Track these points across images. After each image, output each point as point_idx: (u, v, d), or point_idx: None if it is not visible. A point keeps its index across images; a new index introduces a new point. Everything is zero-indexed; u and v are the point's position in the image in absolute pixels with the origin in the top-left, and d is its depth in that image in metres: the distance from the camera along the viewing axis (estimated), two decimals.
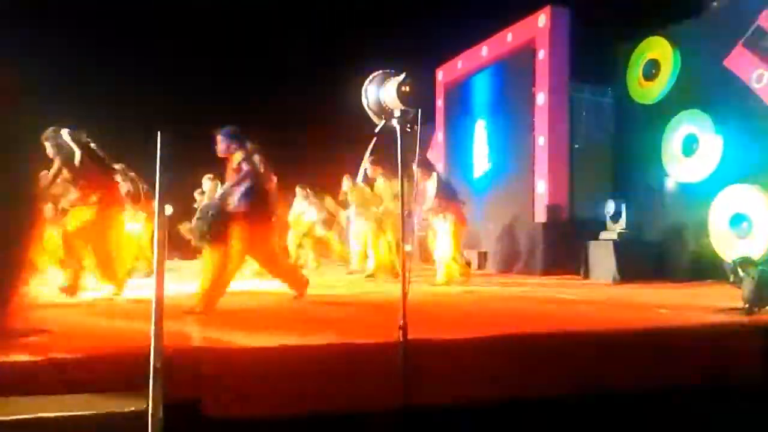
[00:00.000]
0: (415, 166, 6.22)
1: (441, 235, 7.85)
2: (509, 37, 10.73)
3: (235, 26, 13.71)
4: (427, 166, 8.02)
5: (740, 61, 7.75)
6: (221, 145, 5.42)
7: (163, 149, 3.02)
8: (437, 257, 7.98)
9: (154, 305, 2.42)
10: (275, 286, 6.36)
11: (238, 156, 5.37)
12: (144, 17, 12.76)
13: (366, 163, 8.74)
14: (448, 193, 7.85)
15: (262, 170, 6.03)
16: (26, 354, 3.09)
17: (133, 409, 2.55)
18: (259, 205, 5.36)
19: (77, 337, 3.71)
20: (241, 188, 5.23)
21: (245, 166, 5.31)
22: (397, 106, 3.05)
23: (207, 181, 9.23)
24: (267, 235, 5.70)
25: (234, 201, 5.19)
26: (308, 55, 13.48)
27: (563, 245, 9.00)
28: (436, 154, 13.22)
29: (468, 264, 8.45)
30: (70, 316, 4.68)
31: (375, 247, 8.78)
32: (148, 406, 2.38)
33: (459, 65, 12.44)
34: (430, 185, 7.80)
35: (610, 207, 8.53)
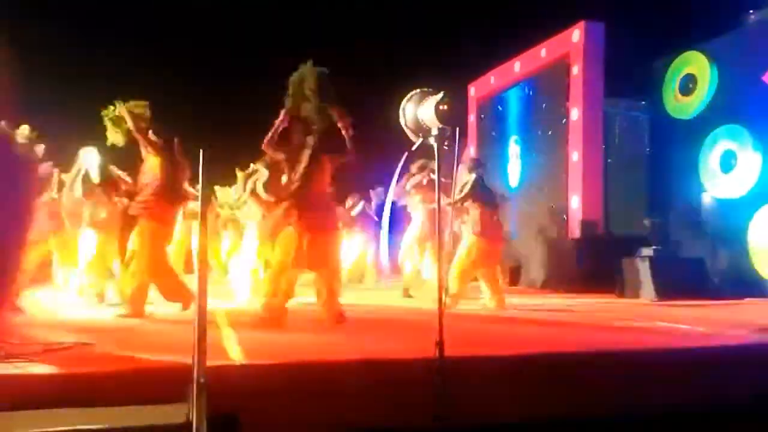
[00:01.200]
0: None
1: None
2: (543, 53, 10.71)
3: (267, 48, 13.91)
4: (474, 164, 7.17)
5: None
6: None
7: (205, 166, 3.09)
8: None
9: (196, 319, 2.47)
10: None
11: None
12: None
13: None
14: (484, 197, 6.88)
15: None
16: (70, 366, 3.17)
17: (175, 421, 2.59)
18: None
19: (120, 349, 3.78)
20: None
21: None
22: (434, 125, 3.09)
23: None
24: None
25: None
26: (342, 73, 13.58)
27: (598, 262, 8.88)
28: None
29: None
30: (115, 329, 4.77)
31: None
32: (191, 419, 2.42)
33: (491, 81, 12.44)
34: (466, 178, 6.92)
35: (647, 223, 8.43)
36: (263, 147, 5.37)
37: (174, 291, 5.86)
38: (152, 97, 6.12)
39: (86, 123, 6.93)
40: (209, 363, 2.98)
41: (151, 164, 5.87)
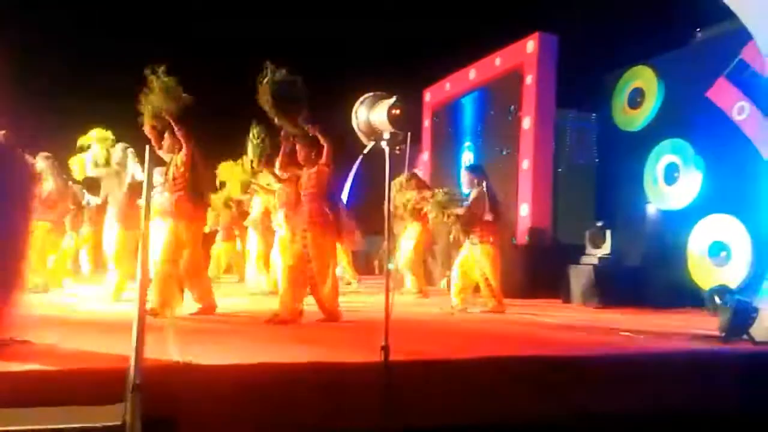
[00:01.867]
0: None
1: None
2: (497, 62, 10.86)
3: (218, 50, 13.75)
4: (480, 172, 7.26)
5: (722, 93, 7.91)
6: None
7: (150, 164, 3.04)
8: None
9: (135, 321, 2.42)
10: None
11: None
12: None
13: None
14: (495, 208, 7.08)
15: None
16: (3, 364, 3.06)
17: (110, 423, 2.53)
18: None
19: (59, 349, 3.67)
20: None
21: None
22: (386, 128, 3.09)
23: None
24: None
25: None
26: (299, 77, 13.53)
27: (545, 269, 9.03)
28: (423, 174, 13.29)
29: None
30: (67, 329, 4.63)
31: None
32: (125, 421, 2.36)
33: (447, 87, 12.55)
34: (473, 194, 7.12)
35: (592, 232, 8.62)
36: (279, 171, 6.13)
37: (205, 294, 5.87)
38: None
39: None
40: (152, 364, 2.95)
41: (179, 160, 5.74)
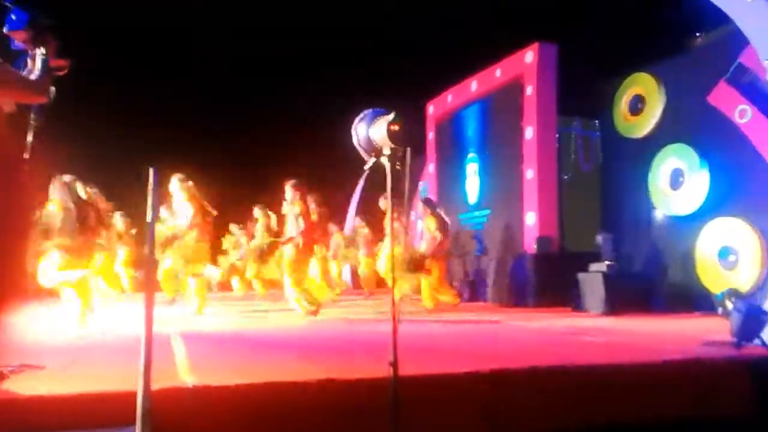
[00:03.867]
0: (420, 203, 7.26)
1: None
2: (498, 73, 10.90)
3: (222, 66, 13.89)
4: (430, 205, 8.87)
5: (723, 97, 7.91)
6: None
7: (155, 184, 3.07)
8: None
9: (143, 345, 2.43)
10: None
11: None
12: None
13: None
14: (446, 230, 8.76)
15: None
16: (16, 390, 3.08)
17: None
18: None
19: (70, 372, 3.69)
20: None
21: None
22: (386, 144, 3.10)
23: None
24: None
25: None
26: (300, 92, 13.63)
27: (554, 277, 9.03)
28: (428, 186, 13.32)
29: (459, 294, 8.86)
30: (76, 350, 4.65)
31: None
32: None
33: (449, 99, 12.60)
34: (430, 223, 8.60)
35: (599, 239, 8.60)
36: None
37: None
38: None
39: None
40: (161, 386, 2.96)
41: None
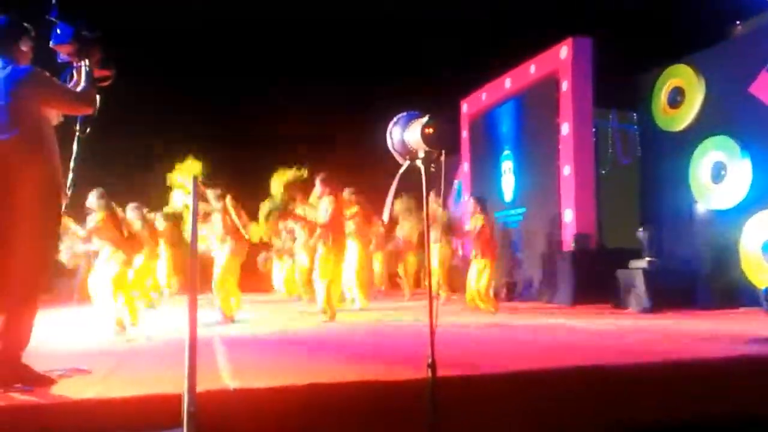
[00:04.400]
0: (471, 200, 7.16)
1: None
2: (532, 69, 10.82)
3: (252, 67, 14.03)
4: (481, 203, 8.54)
5: (765, 87, 7.72)
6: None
7: (195, 193, 3.14)
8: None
9: (187, 349, 2.49)
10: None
11: None
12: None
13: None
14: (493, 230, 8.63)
15: None
16: (65, 394, 3.18)
17: None
18: None
19: (116, 376, 3.79)
20: None
21: None
22: (421, 147, 3.11)
23: None
24: None
25: None
26: (335, 93, 13.69)
27: (593, 274, 8.92)
28: (463, 184, 13.28)
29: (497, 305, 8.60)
30: (121, 353, 4.78)
31: None
32: None
33: (483, 97, 12.54)
34: (478, 221, 8.30)
35: (639, 235, 8.47)
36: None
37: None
38: None
39: None
40: (205, 388, 3.03)
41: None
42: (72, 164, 3.64)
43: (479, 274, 8.25)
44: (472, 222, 8.44)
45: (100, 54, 3.53)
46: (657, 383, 3.77)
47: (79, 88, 3.54)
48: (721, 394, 3.80)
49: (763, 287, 7.14)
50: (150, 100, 12.60)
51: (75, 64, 3.62)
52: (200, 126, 13.36)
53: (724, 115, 8.44)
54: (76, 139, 3.64)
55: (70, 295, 11.07)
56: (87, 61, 3.48)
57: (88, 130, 3.60)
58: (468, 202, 8.97)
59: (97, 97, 3.53)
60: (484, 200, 8.69)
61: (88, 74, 3.50)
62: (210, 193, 7.57)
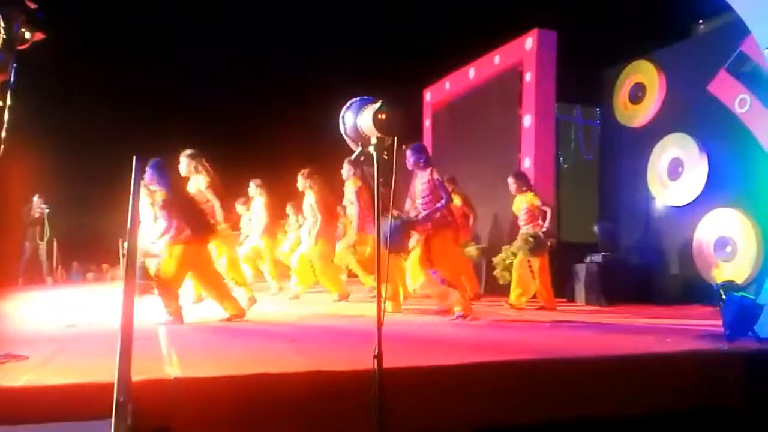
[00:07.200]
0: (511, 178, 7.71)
1: None
2: (496, 60, 10.80)
3: (214, 48, 13.76)
4: (525, 180, 7.89)
5: (724, 86, 7.83)
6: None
7: (138, 174, 3.01)
8: None
9: (120, 336, 2.38)
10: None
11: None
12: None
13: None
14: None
15: None
16: None
17: None
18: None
19: (54, 363, 3.64)
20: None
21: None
22: (373, 133, 3.03)
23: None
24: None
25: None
26: (295, 77, 13.52)
27: (550, 268, 8.94)
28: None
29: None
30: (68, 339, 4.61)
31: None
32: None
33: (447, 86, 12.49)
34: (534, 198, 7.71)
35: (596, 229, 8.55)
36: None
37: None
38: None
39: None
40: (144, 378, 2.92)
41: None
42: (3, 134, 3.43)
43: None
44: (528, 199, 7.80)
45: (23, 16, 3.31)
46: (604, 376, 3.78)
47: None
48: (666, 388, 3.84)
49: (714, 284, 7.25)
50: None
51: None
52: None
53: (683, 113, 8.54)
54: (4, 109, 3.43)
55: (14, 279, 10.72)
56: (2, 23, 3.25)
57: (8, 97, 3.38)
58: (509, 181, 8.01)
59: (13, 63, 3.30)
60: (526, 176, 8.20)
61: (5, 38, 3.29)
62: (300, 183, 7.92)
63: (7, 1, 3.27)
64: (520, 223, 7.74)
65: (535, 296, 7.67)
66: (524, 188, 7.73)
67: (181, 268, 5.62)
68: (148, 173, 5.68)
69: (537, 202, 7.63)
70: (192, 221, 5.64)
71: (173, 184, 5.83)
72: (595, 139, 10.73)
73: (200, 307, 7.38)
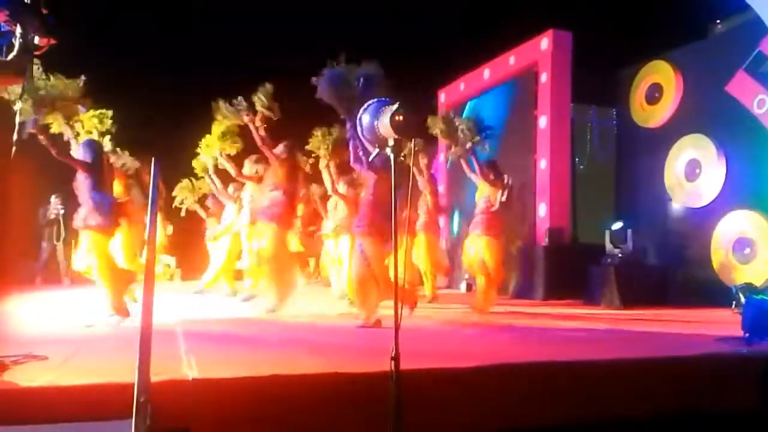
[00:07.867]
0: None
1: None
2: (511, 60, 10.76)
3: (228, 51, 13.76)
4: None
5: (742, 87, 7.75)
6: None
7: (156, 176, 3.02)
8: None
9: (140, 337, 2.40)
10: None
11: None
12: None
13: None
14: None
15: None
16: (14, 381, 3.07)
17: None
18: None
19: (73, 363, 3.67)
20: None
21: None
22: (390, 135, 3.04)
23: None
24: None
25: None
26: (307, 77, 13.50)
27: (565, 269, 8.91)
28: (439, 175, 13.21)
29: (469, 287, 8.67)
30: (82, 340, 4.65)
31: None
32: None
33: (461, 87, 12.46)
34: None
35: (613, 230, 8.48)
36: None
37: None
38: None
39: None
40: (162, 378, 2.94)
41: None
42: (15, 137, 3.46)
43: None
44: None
45: (38, 20, 3.34)
46: (621, 379, 3.77)
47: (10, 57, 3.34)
48: (683, 390, 3.81)
49: (733, 286, 7.18)
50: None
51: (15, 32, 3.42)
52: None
53: (701, 114, 8.47)
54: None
55: (32, 279, 10.81)
56: (20, 27, 3.28)
57: (24, 97, 3.40)
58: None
59: (34, 67, 3.34)
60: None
61: (21, 43, 3.32)
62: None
63: (23, 8, 3.30)
64: None
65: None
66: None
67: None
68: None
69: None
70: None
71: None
72: (611, 140, 10.66)
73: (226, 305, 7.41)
